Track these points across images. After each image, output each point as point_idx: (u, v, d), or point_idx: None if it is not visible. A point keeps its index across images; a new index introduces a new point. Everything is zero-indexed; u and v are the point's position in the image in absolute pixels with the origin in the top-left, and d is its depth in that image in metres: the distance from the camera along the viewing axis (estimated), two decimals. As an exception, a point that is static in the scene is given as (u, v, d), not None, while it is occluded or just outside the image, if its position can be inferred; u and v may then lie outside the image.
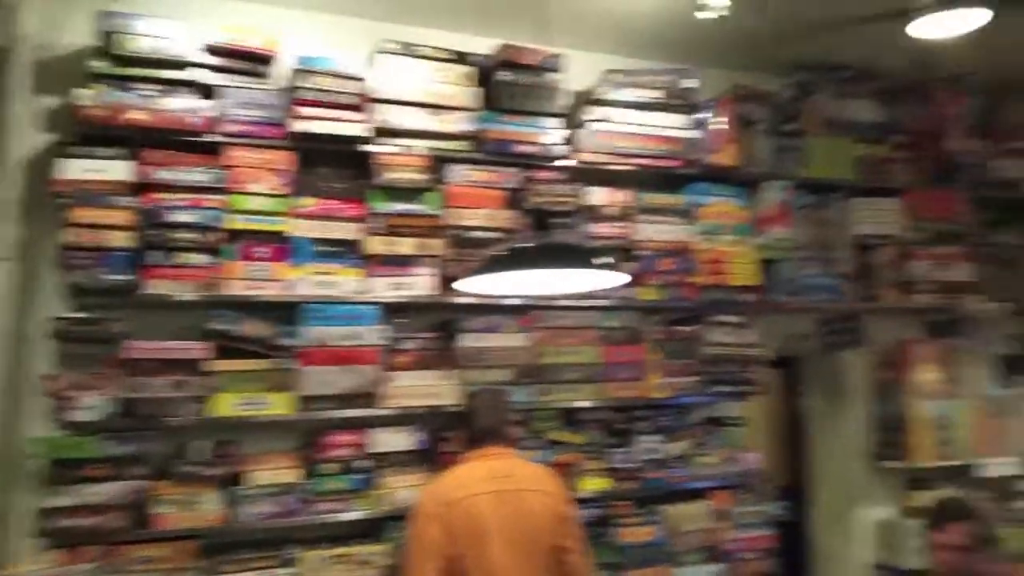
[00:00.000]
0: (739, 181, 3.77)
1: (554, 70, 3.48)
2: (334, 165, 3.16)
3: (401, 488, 3.01)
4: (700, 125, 3.72)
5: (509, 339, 3.27)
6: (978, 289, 4.10)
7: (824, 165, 3.95)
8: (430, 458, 3.08)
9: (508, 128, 3.38)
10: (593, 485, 3.33)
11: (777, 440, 4.49)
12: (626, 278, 2.62)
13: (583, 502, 3.23)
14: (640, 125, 3.62)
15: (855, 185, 3.98)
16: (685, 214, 3.67)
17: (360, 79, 3.17)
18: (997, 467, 3.99)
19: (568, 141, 3.49)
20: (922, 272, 4.01)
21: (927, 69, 3.89)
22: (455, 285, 2.72)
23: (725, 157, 3.75)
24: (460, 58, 3.37)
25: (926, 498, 3.50)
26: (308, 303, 2.99)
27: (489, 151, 3.34)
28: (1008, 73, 4.13)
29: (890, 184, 4.04)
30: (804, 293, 3.80)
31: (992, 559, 2.57)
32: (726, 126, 3.76)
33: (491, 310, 3.26)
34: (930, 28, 3.01)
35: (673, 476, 3.46)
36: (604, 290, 3.11)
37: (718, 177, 3.74)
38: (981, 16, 3.05)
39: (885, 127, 4.09)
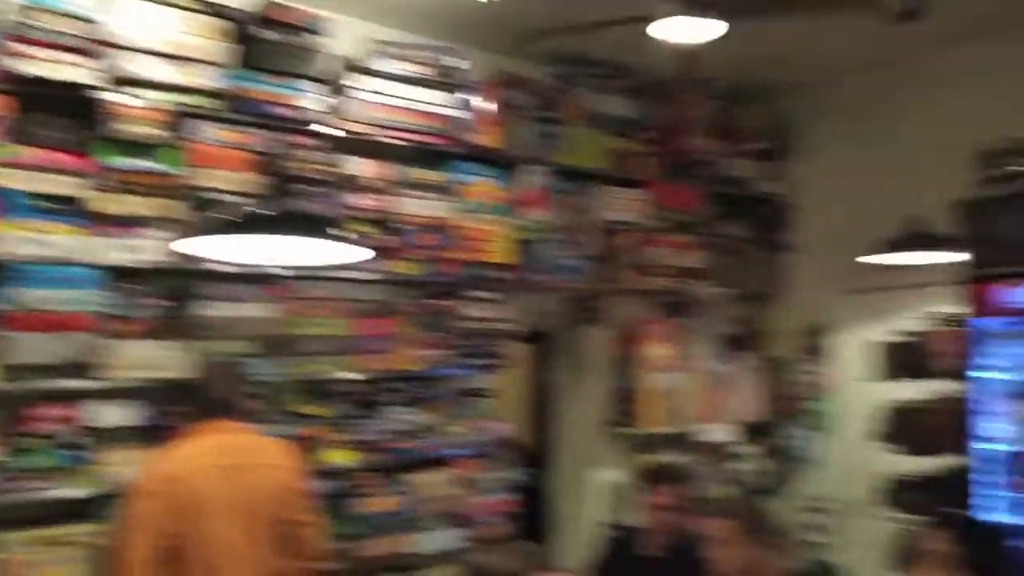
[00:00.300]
0: (501, 163, 3.70)
1: (317, 33, 3.20)
2: (60, 113, 2.71)
3: (122, 465, 2.65)
4: (466, 105, 3.59)
5: (254, 309, 2.98)
6: (707, 275, 4.31)
7: (580, 154, 3.96)
8: (156, 433, 2.74)
9: (264, 88, 3.08)
10: (339, 457, 3.14)
11: (528, 410, 4.51)
12: (369, 253, 2.42)
13: (328, 475, 3.05)
14: (406, 99, 3.43)
15: (606, 174, 4.02)
16: (446, 191, 3.54)
17: (93, 21, 2.72)
18: (715, 433, 4.24)
19: (329, 108, 3.23)
20: (660, 257, 4.15)
21: (673, 71, 3.98)
22: (173, 246, 2.40)
23: (488, 139, 3.66)
24: (214, 10, 3.00)
25: (652, 461, 3.62)
26: (18, 263, 2.54)
27: (241, 111, 3.02)
28: (743, 80, 4.33)
29: (636, 176, 4.13)
30: (556, 273, 3.80)
31: (700, 516, 2.65)
32: (491, 109, 3.66)
33: (237, 278, 2.96)
34: (670, 32, 3.03)
35: (422, 446, 3.35)
36: (359, 262, 2.91)
37: (480, 158, 3.64)
38: (718, 27, 3.10)
39: (635, 123, 4.17)
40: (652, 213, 4.15)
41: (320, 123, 3.20)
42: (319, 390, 3.14)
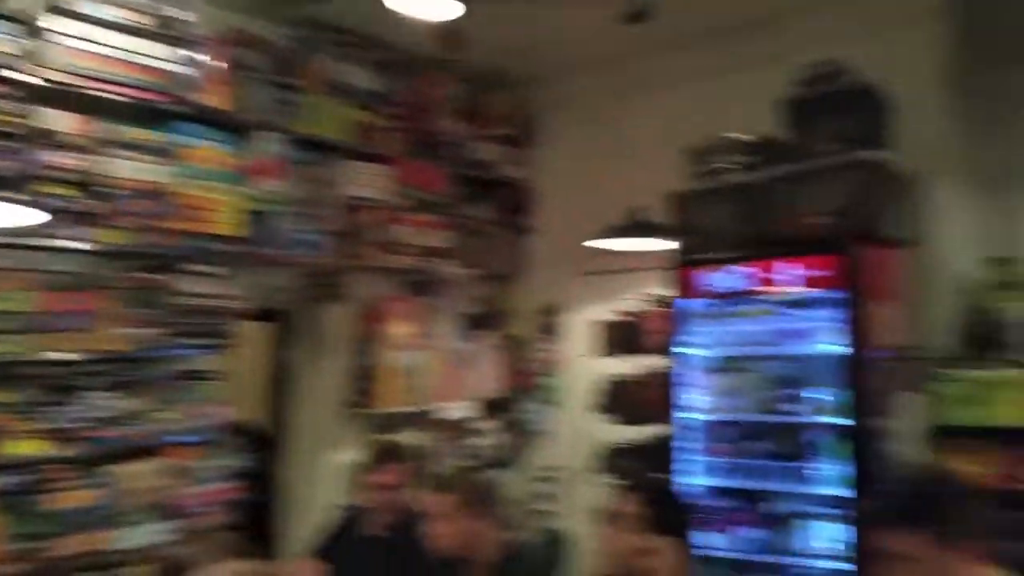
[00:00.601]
0: (231, 127, 3.48)
1: (8, -36, 2.80)
2: None
3: None
4: (191, 62, 3.32)
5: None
6: (451, 255, 4.36)
7: (321, 124, 3.84)
8: None
9: (-66, 22, 2.63)
10: (26, 448, 2.79)
11: (263, 392, 4.31)
12: (43, 216, 2.15)
13: (11, 468, 2.69)
14: (119, 49, 3.12)
15: (349, 148, 3.93)
16: (165, 154, 3.26)
17: None
18: (454, 410, 4.32)
19: (22, 52, 2.84)
20: (403, 236, 4.14)
21: (419, 47, 3.96)
22: None
23: (217, 100, 3.43)
24: None
25: (378, 440, 3.59)
26: None
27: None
28: (490, 67, 4.42)
29: (381, 151, 4.08)
30: (291, 247, 3.65)
31: (422, 495, 2.66)
32: (220, 67, 3.42)
33: None
34: (407, 5, 2.99)
35: (129, 434, 3.06)
36: (54, 229, 2.59)
37: (207, 120, 3.40)
38: (454, 7, 3.11)
39: (381, 97, 4.11)
40: (396, 190, 4.13)
41: (10, 68, 2.80)
42: (1, 373, 2.76)
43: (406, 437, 3.90)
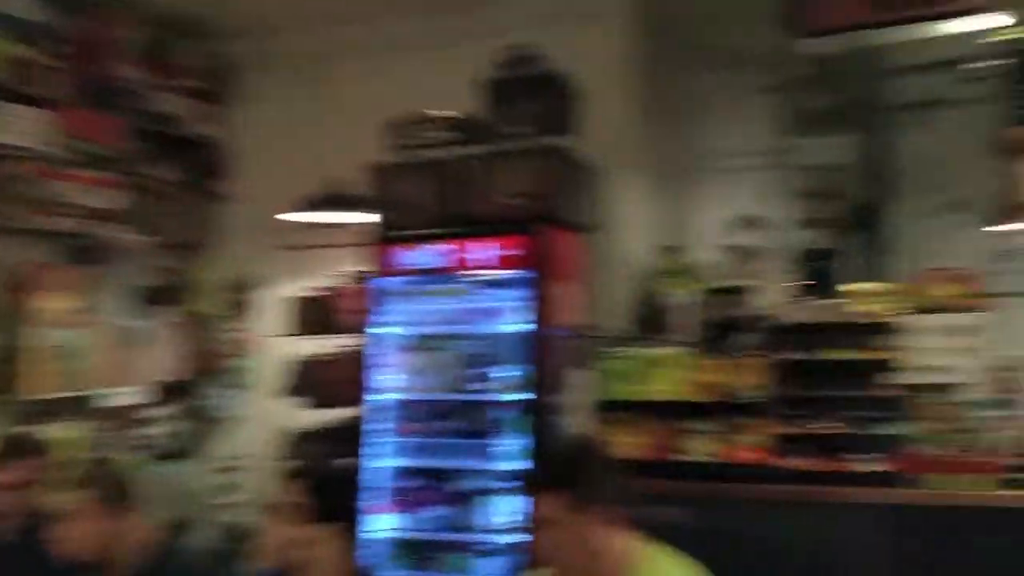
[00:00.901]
0: None
1: None
2: None
3: None
4: None
5: None
6: (125, 219, 3.98)
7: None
8: None
9: None
10: None
11: None
12: None
13: None
14: None
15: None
16: None
17: None
18: (122, 396, 3.95)
19: None
20: (65, 194, 3.71)
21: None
22: None
23: None
24: None
25: (17, 434, 3.17)
26: None
27: None
28: (179, 12, 4.10)
29: (40, 94, 3.62)
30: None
31: (55, 493, 2.37)
32: None
33: None
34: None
35: None
36: None
37: None
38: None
39: (44, 31, 3.65)
40: (57, 140, 3.69)
41: None
42: None
43: (56, 428, 3.49)
